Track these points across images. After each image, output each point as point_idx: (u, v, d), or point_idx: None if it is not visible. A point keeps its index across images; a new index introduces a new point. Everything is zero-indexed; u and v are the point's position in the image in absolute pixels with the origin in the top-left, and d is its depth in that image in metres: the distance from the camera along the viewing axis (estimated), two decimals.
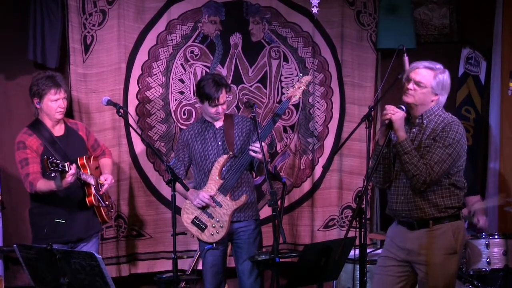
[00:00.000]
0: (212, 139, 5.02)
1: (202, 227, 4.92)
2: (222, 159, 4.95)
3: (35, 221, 4.87)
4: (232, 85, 5.88)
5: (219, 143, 5.01)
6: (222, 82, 4.97)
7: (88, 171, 4.87)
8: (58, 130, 4.91)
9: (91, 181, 4.85)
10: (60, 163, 4.51)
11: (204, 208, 4.92)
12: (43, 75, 4.88)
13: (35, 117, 4.90)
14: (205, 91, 4.92)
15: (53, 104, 4.82)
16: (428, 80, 4.20)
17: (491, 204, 5.93)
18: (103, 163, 5.12)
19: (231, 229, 4.96)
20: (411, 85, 4.22)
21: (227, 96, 5.02)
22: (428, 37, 6.32)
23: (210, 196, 4.90)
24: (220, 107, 4.95)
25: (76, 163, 4.76)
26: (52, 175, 4.54)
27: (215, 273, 4.98)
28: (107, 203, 5.02)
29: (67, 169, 4.54)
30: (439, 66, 4.26)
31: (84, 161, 4.86)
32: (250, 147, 4.84)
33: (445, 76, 4.25)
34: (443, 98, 4.27)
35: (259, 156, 4.78)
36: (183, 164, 5.07)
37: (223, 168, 4.95)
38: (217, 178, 4.93)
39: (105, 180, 4.96)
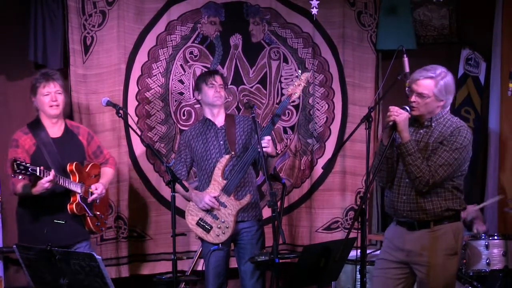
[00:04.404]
0: (213, 138, 5.01)
1: (207, 229, 4.92)
2: (224, 159, 4.94)
3: (19, 222, 4.84)
4: (232, 86, 5.89)
5: (221, 142, 5.00)
6: (216, 71, 5.12)
7: (77, 178, 4.77)
8: (56, 131, 4.85)
9: (77, 189, 4.74)
10: (30, 166, 4.39)
11: (208, 209, 4.93)
12: (39, 72, 4.89)
13: (36, 117, 4.88)
14: (200, 77, 5.09)
15: (44, 98, 4.77)
16: (429, 90, 4.17)
17: (490, 202, 5.91)
18: (103, 172, 5.02)
19: (235, 229, 4.95)
20: (413, 98, 4.19)
21: (226, 91, 5.05)
22: (427, 38, 6.32)
23: (214, 197, 4.90)
24: (218, 86, 4.97)
25: (65, 169, 4.71)
26: (19, 178, 4.42)
27: (218, 274, 4.98)
28: (97, 213, 4.90)
29: (38, 174, 4.42)
30: (440, 71, 4.21)
31: (74, 167, 4.76)
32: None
33: (448, 80, 4.20)
34: (449, 101, 4.26)
35: (269, 150, 4.80)
36: (185, 164, 5.07)
37: (226, 168, 4.95)
38: (220, 179, 4.92)
39: (95, 189, 4.82)
